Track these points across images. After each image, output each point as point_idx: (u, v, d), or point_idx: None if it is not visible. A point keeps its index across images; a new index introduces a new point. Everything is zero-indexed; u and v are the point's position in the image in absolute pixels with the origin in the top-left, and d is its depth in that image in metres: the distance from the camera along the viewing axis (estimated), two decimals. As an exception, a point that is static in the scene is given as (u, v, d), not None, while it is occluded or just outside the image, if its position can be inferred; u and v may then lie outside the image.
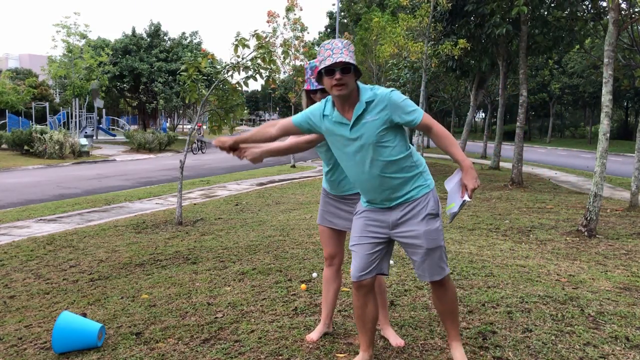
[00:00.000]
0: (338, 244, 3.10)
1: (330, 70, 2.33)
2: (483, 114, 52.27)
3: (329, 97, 2.51)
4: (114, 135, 37.37)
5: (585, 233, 6.27)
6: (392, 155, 2.43)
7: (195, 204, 9.26)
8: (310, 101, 2.98)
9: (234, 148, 2.59)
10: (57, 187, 12.76)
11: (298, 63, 17.29)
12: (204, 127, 31.36)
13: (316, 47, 38.77)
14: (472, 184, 2.37)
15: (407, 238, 2.50)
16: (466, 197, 2.39)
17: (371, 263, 2.53)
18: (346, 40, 2.42)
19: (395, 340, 2.98)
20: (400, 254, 5.15)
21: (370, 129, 2.39)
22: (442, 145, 2.45)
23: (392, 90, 2.43)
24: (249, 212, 8.18)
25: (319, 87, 2.85)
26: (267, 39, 7.52)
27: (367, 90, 2.43)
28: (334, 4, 53.97)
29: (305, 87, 2.98)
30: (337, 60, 2.30)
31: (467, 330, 3.19)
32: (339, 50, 2.33)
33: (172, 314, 3.60)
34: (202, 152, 26.99)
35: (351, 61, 2.32)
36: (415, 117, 2.39)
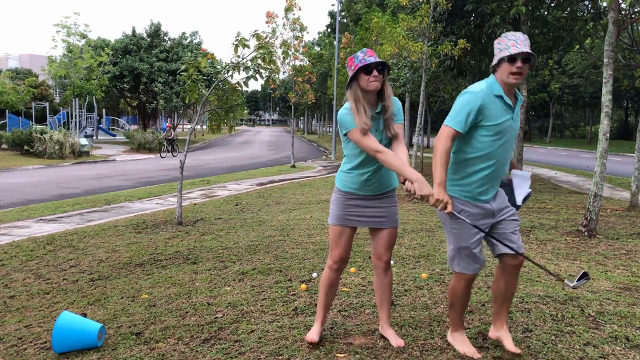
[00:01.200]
0: (350, 244, 3.06)
1: (512, 58, 2.47)
2: (483, 114, 52.16)
3: (490, 81, 2.59)
4: (114, 135, 37.42)
5: (585, 233, 6.27)
6: (514, 145, 2.76)
7: (195, 204, 9.26)
8: (359, 89, 2.73)
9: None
10: (57, 187, 12.76)
11: (298, 63, 17.28)
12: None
13: (316, 47, 38.71)
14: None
15: (510, 215, 2.77)
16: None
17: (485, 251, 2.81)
18: (526, 35, 2.55)
19: (395, 340, 2.98)
20: (399, 254, 5.15)
21: (518, 118, 2.69)
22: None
23: None
24: (249, 212, 8.18)
25: (377, 60, 2.65)
26: (266, 39, 7.51)
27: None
28: (333, 4, 53.95)
29: (361, 64, 2.66)
30: (523, 50, 2.44)
31: (467, 330, 3.19)
32: (522, 43, 2.47)
33: (172, 314, 3.61)
34: (173, 155, 24.10)
35: (532, 53, 2.47)
36: None
